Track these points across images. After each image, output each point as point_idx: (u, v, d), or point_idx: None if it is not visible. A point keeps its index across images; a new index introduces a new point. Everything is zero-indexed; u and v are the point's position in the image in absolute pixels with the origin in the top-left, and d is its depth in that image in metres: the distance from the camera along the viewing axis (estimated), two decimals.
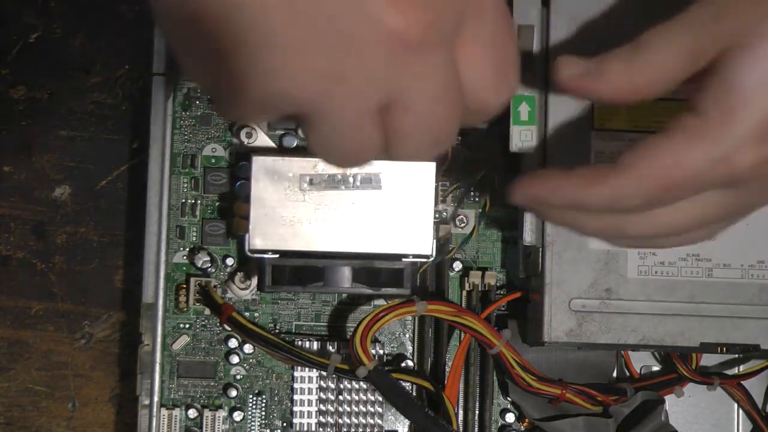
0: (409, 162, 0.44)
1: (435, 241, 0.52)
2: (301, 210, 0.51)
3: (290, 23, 0.28)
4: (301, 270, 0.53)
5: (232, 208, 0.55)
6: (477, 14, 0.31)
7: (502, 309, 0.56)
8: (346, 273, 0.53)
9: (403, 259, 0.52)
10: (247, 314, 0.56)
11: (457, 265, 0.56)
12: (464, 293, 0.57)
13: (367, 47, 0.29)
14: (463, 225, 0.56)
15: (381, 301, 0.56)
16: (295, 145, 0.56)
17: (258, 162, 0.51)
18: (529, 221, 0.52)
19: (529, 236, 0.52)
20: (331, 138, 0.31)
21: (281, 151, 0.55)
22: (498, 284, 0.56)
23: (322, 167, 0.51)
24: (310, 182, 0.51)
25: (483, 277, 0.55)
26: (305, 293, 0.55)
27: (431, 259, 0.52)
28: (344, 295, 0.57)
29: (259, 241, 0.51)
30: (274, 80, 0.29)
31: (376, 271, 0.53)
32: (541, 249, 0.51)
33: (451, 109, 0.31)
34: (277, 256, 0.52)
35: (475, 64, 0.31)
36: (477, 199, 0.57)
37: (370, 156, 0.32)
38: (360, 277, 0.53)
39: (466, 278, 0.56)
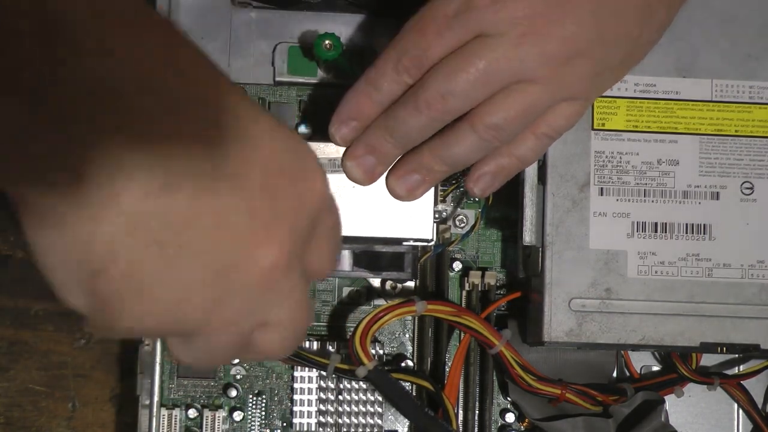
0: None
1: (435, 225, 0.52)
2: None
3: (165, 271, 0.29)
4: None
5: None
6: (322, 220, 0.34)
7: (502, 309, 0.56)
8: (346, 257, 0.53)
9: (404, 243, 0.52)
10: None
11: (457, 265, 0.56)
12: (464, 293, 0.57)
13: (243, 283, 0.31)
14: (462, 225, 0.56)
15: (381, 301, 0.56)
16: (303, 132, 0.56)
17: None
18: (529, 221, 0.52)
19: (529, 236, 0.52)
20: (199, 354, 0.34)
21: None
22: (498, 284, 0.56)
23: (323, 152, 0.51)
24: None
25: (483, 277, 0.55)
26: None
27: (432, 243, 0.52)
28: (344, 295, 0.57)
29: None
30: (144, 321, 0.30)
31: (376, 255, 0.53)
32: (541, 249, 0.51)
33: (310, 314, 0.36)
34: None
35: (320, 258, 0.35)
36: (477, 200, 0.57)
37: (227, 362, 0.36)
38: (361, 262, 0.53)
39: (466, 278, 0.56)
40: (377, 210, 0.51)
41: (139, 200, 0.28)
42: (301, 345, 0.54)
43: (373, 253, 0.53)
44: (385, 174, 0.50)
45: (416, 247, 0.53)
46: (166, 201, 0.29)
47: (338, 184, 0.51)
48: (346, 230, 0.51)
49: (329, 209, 0.35)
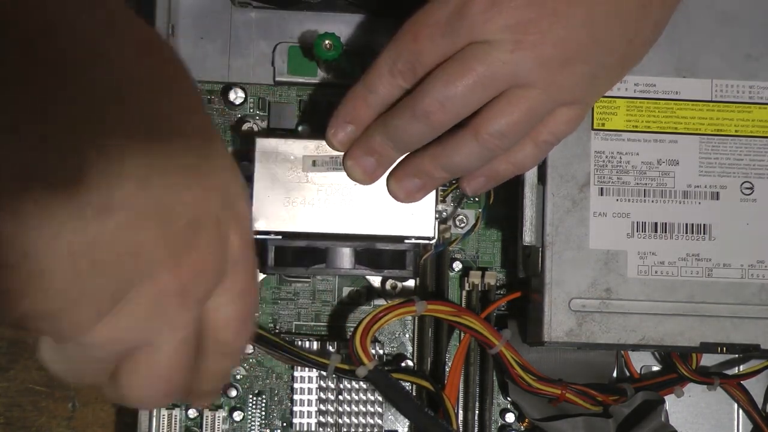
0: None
1: (437, 222, 0.52)
2: (303, 191, 0.51)
3: (72, 281, 0.30)
4: (304, 251, 0.53)
5: None
6: (233, 271, 0.34)
7: (502, 309, 0.56)
8: (348, 255, 0.53)
9: (405, 241, 0.52)
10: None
11: (457, 265, 0.56)
12: (464, 293, 0.57)
13: (138, 301, 0.32)
14: (463, 225, 0.56)
15: (381, 301, 0.56)
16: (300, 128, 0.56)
17: (260, 144, 0.51)
18: (529, 221, 0.52)
19: (529, 236, 0.52)
20: (69, 362, 0.34)
21: (284, 132, 0.55)
22: (498, 284, 0.56)
23: (324, 149, 0.51)
24: (313, 163, 0.51)
25: (483, 277, 0.55)
26: (307, 276, 0.55)
27: (433, 240, 0.52)
28: (344, 295, 0.57)
29: (262, 222, 0.51)
30: (34, 313, 0.30)
31: (378, 252, 0.53)
32: (541, 249, 0.51)
33: (189, 360, 0.35)
34: (280, 237, 0.52)
35: (225, 313, 0.35)
36: (476, 199, 0.57)
37: (91, 382, 0.35)
38: (362, 259, 0.53)
39: (466, 278, 0.56)
40: (379, 208, 0.51)
41: (73, 219, 0.29)
42: (303, 344, 0.54)
43: (375, 251, 0.53)
44: (386, 175, 0.50)
45: (418, 245, 0.53)
46: (98, 224, 0.30)
47: (340, 181, 0.51)
48: (349, 228, 0.51)
49: (244, 267, 0.35)
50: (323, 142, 0.50)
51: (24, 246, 0.29)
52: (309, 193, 0.51)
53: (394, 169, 0.50)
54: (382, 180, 0.51)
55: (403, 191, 0.50)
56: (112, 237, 0.30)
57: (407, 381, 0.54)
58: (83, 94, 0.30)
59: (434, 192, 0.51)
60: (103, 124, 0.30)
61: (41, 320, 0.31)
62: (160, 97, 0.32)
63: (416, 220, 0.51)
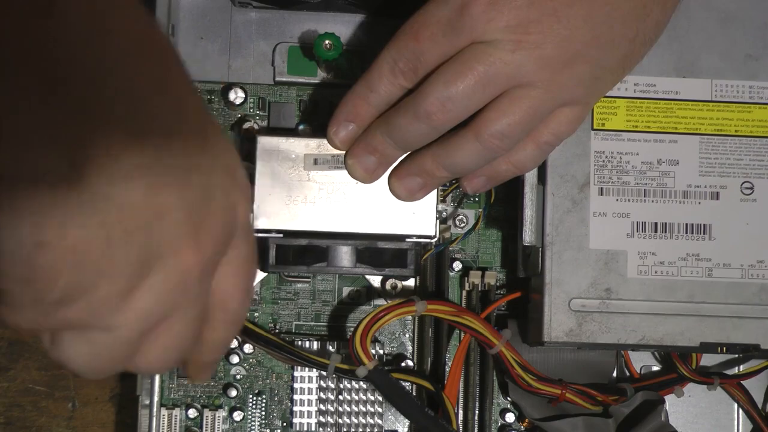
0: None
1: (438, 221, 0.52)
2: (305, 190, 0.51)
3: (104, 251, 0.31)
4: (305, 250, 0.53)
5: None
6: (236, 244, 0.36)
7: (502, 309, 0.56)
8: (349, 253, 0.53)
9: (407, 240, 0.52)
10: (247, 314, 0.55)
11: (457, 265, 0.56)
12: (464, 293, 0.57)
13: (162, 278, 0.33)
14: (462, 225, 0.56)
15: (381, 301, 0.56)
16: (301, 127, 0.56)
17: (262, 142, 0.51)
18: (529, 221, 0.52)
19: (529, 236, 0.52)
20: (95, 350, 0.34)
21: (285, 131, 0.55)
22: (498, 284, 0.56)
23: (326, 148, 0.51)
24: (315, 162, 0.51)
25: (483, 276, 0.55)
26: (308, 275, 0.55)
27: (434, 239, 0.52)
28: (344, 295, 0.57)
29: (263, 221, 0.51)
30: (69, 298, 0.31)
31: (379, 251, 0.53)
32: (541, 249, 0.51)
33: (198, 331, 0.36)
34: (281, 236, 0.52)
35: (229, 284, 0.36)
36: (476, 199, 0.57)
37: (116, 369, 0.35)
38: (364, 258, 0.53)
39: (466, 278, 0.56)
40: (380, 206, 0.51)
41: (101, 186, 0.30)
42: (303, 344, 0.54)
43: (376, 250, 0.53)
44: (388, 173, 0.51)
45: (419, 243, 0.53)
46: (124, 189, 0.31)
47: (341, 180, 0.51)
48: (350, 226, 0.51)
49: (246, 238, 0.36)
50: (325, 141, 0.50)
51: (57, 220, 0.30)
52: (310, 192, 0.51)
53: (395, 167, 0.50)
54: (384, 179, 0.51)
55: (404, 190, 0.50)
56: (139, 201, 0.31)
57: (407, 381, 0.54)
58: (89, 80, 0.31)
59: (435, 191, 0.51)
60: (119, 103, 0.31)
61: (74, 302, 0.31)
62: (161, 84, 0.33)
63: (417, 218, 0.51)
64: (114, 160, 0.31)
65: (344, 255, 0.53)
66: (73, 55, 0.31)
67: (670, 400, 0.56)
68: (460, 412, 0.55)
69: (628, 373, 0.57)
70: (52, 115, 0.30)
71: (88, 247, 0.30)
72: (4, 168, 0.29)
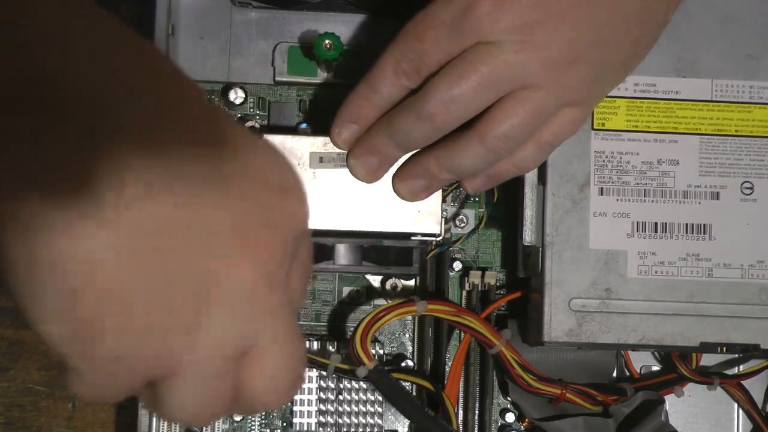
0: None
1: (443, 219, 0.52)
2: (310, 188, 0.51)
3: (145, 285, 0.28)
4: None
5: None
6: (302, 245, 0.33)
7: (502, 309, 0.56)
8: (355, 251, 0.53)
9: (412, 238, 0.52)
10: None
11: (457, 265, 0.56)
12: (464, 293, 0.57)
13: (225, 298, 0.30)
14: (463, 225, 0.56)
15: (381, 301, 0.56)
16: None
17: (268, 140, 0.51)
18: (529, 221, 0.52)
19: (529, 236, 0.52)
20: (189, 395, 0.31)
21: (290, 130, 0.55)
22: (498, 284, 0.56)
23: (332, 145, 0.51)
24: (320, 160, 0.51)
25: (483, 276, 0.55)
26: (314, 273, 0.55)
27: (439, 238, 0.52)
28: (344, 295, 0.57)
29: None
30: (124, 343, 0.29)
31: (384, 249, 0.53)
32: (541, 249, 0.51)
33: (302, 349, 0.34)
34: None
35: (299, 285, 0.34)
36: (477, 199, 0.57)
37: (223, 412, 0.33)
38: (369, 256, 0.53)
39: (466, 278, 0.56)
40: (385, 205, 0.51)
41: (122, 208, 0.28)
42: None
43: (381, 248, 0.53)
44: (391, 172, 0.51)
45: (424, 242, 0.53)
46: (149, 207, 0.28)
47: (347, 178, 0.51)
48: (355, 225, 0.51)
49: (308, 236, 0.34)
50: (327, 140, 0.50)
51: (87, 258, 0.28)
52: (316, 190, 0.51)
53: (399, 169, 0.50)
54: (389, 177, 0.51)
55: (407, 191, 0.50)
56: (168, 218, 0.28)
57: (407, 381, 0.54)
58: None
59: (440, 190, 0.51)
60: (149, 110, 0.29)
61: (137, 348, 0.29)
62: (170, 90, 0.32)
63: (422, 217, 0.51)
64: (133, 182, 0.28)
65: (349, 253, 0.53)
66: (80, 84, 0.29)
67: (670, 400, 0.56)
68: (460, 412, 0.55)
69: (628, 373, 0.57)
70: (61, 150, 0.27)
71: (122, 284, 0.28)
72: (10, 218, 0.27)
